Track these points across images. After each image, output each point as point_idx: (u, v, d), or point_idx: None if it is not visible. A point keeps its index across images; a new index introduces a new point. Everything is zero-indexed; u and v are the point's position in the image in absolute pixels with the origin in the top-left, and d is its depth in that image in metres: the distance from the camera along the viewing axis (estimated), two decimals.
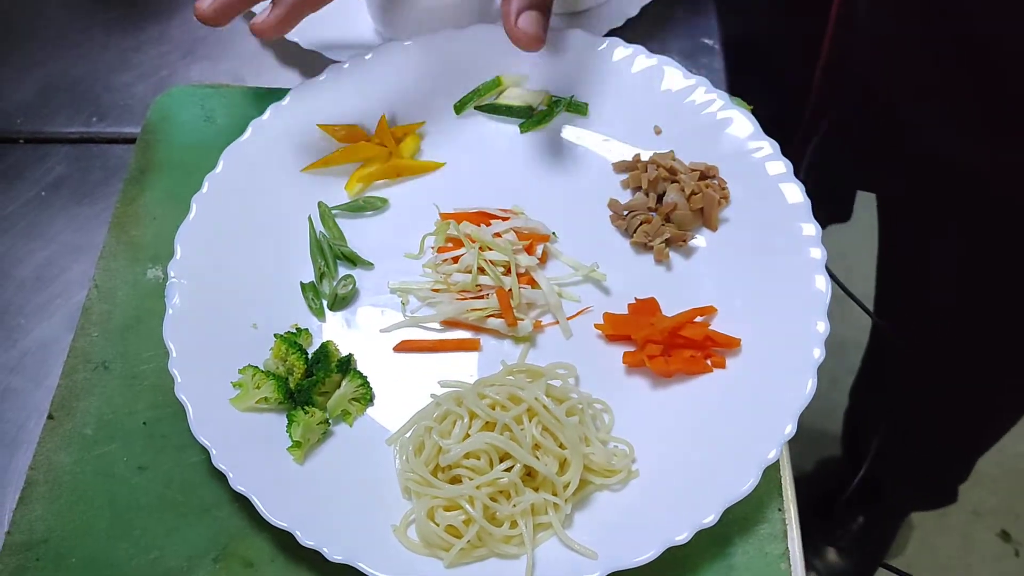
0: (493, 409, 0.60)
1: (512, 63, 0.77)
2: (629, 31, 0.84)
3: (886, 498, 1.49)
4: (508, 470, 0.58)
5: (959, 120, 0.78)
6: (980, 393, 1.09)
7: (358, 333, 0.68)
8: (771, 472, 0.61)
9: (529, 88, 0.77)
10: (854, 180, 1.03)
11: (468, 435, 0.59)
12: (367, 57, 0.76)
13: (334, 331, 0.68)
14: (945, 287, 0.96)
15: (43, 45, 0.89)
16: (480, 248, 0.69)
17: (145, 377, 0.66)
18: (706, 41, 0.88)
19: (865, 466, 1.44)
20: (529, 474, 0.59)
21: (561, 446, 0.59)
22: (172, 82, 0.86)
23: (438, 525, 0.57)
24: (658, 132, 0.75)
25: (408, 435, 0.62)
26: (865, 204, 1.10)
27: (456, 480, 0.59)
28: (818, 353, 0.62)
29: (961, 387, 1.08)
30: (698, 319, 0.66)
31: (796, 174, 0.69)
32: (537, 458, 0.59)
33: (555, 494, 0.58)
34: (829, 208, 1.02)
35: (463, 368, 0.66)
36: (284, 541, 0.59)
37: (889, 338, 0.98)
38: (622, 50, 0.76)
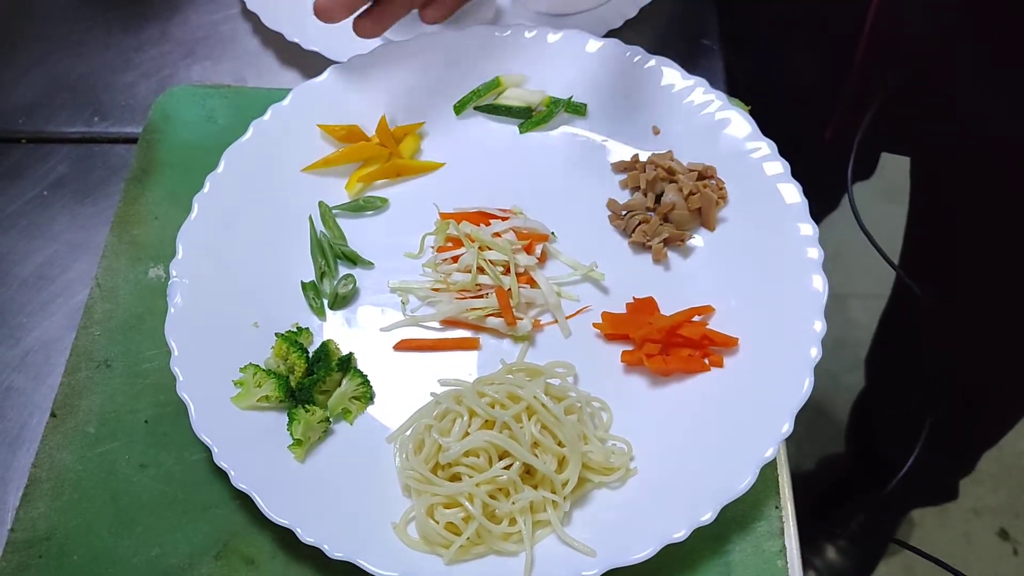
0: (492, 407, 0.60)
1: (511, 64, 0.78)
2: (628, 32, 0.84)
3: (887, 494, 1.49)
4: (507, 468, 0.59)
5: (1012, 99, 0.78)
6: (997, 370, 1.10)
7: (358, 332, 0.68)
8: (768, 470, 0.62)
9: (528, 89, 0.78)
10: (888, 143, 1.02)
11: (467, 433, 0.60)
12: (367, 57, 0.77)
13: (335, 330, 0.68)
14: (974, 252, 0.97)
15: (45, 45, 0.90)
16: (480, 248, 0.69)
17: (147, 375, 0.67)
18: (705, 42, 0.88)
19: (868, 460, 1.45)
20: (528, 472, 0.60)
21: (560, 444, 0.60)
22: (173, 82, 0.86)
23: (438, 522, 0.58)
24: (656, 132, 0.75)
25: (408, 433, 0.62)
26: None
27: (456, 478, 0.60)
28: (815, 352, 0.62)
29: (979, 361, 1.08)
30: (696, 318, 0.67)
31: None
32: (536, 456, 0.59)
33: (554, 492, 0.59)
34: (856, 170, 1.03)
35: (463, 367, 0.67)
36: (285, 538, 0.59)
37: (914, 297, 0.98)
38: (620, 51, 0.77)
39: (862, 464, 1.50)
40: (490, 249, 0.69)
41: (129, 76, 0.87)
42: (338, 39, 0.83)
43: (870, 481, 1.48)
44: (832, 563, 1.53)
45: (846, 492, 1.56)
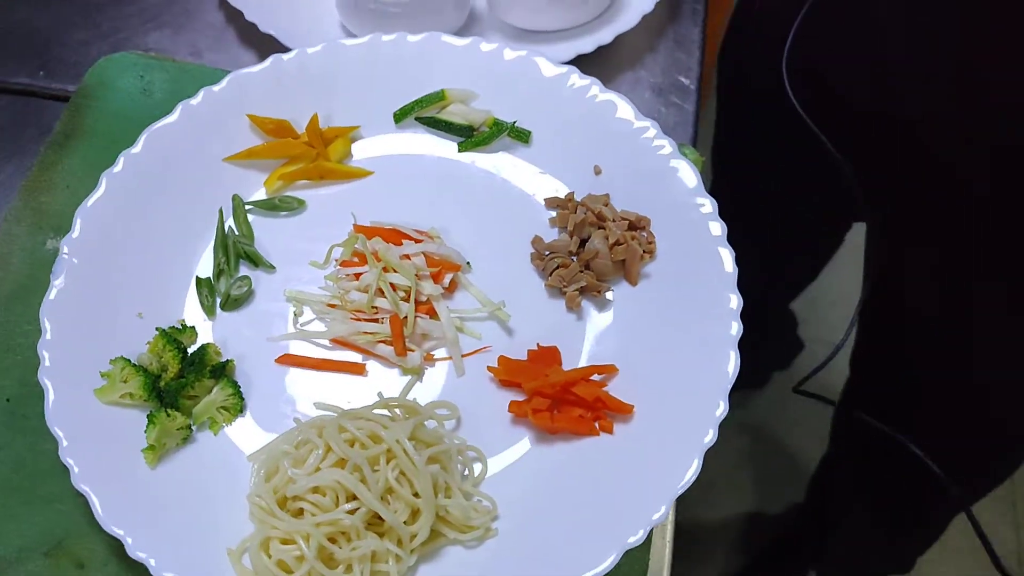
0: (352, 445, 0.57)
1: (462, 78, 0.74)
2: (604, 60, 0.80)
3: (837, 558, 1.44)
4: (352, 512, 0.55)
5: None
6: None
7: (245, 338, 0.65)
8: (639, 554, 0.58)
9: (473, 107, 0.73)
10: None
11: (319, 468, 0.56)
12: (310, 51, 0.73)
13: (221, 332, 0.65)
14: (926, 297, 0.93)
15: None
16: (384, 268, 0.65)
17: (20, 351, 0.64)
18: (683, 80, 0.83)
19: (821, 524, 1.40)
20: (378, 518, 0.56)
21: (416, 495, 0.56)
22: (128, 46, 0.84)
23: (270, 558, 0.55)
24: (598, 172, 0.71)
25: (264, 457, 0.59)
26: None
27: (299, 513, 0.56)
28: (711, 435, 0.58)
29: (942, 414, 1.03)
30: (596, 377, 0.63)
31: None
32: (388, 503, 0.56)
33: (400, 544, 0.55)
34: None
35: (344, 392, 0.63)
36: (120, 545, 0.56)
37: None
38: (577, 80, 0.72)
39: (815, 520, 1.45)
40: (395, 271, 0.65)
41: (84, 34, 0.85)
42: (295, 25, 0.80)
43: (821, 542, 1.43)
44: None
45: (797, 546, 1.51)
